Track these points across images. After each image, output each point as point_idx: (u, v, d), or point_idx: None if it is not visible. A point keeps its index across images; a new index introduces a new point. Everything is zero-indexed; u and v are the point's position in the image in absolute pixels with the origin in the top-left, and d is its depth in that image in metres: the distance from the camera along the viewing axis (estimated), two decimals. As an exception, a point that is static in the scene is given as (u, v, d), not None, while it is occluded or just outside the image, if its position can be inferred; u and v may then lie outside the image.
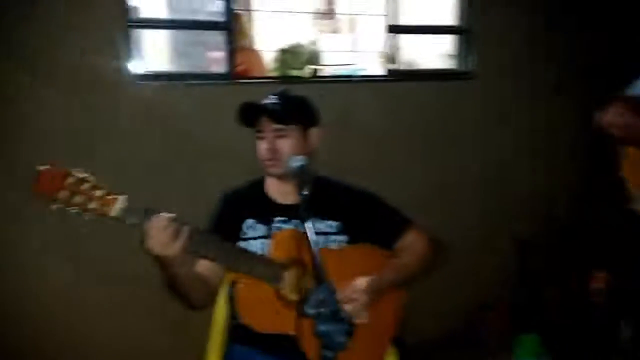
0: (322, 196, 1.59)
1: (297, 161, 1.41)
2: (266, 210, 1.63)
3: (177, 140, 2.19)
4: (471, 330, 2.56)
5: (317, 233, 1.52)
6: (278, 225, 1.60)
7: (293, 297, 1.48)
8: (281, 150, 1.56)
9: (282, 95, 1.62)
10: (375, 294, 1.49)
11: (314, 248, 1.23)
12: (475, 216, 2.68)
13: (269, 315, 1.45)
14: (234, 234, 1.60)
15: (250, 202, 1.66)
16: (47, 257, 2.07)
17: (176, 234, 1.28)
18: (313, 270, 1.27)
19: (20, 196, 1.90)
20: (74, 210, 1.17)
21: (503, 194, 2.73)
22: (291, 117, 1.57)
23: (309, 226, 1.27)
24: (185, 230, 1.30)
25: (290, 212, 1.60)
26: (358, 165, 2.42)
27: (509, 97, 2.71)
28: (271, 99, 1.60)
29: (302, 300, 1.44)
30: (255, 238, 1.59)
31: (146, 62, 2.26)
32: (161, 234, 1.26)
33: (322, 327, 1.12)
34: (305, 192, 1.31)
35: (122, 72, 2.10)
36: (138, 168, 2.08)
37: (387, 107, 2.49)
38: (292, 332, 1.44)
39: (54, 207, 1.15)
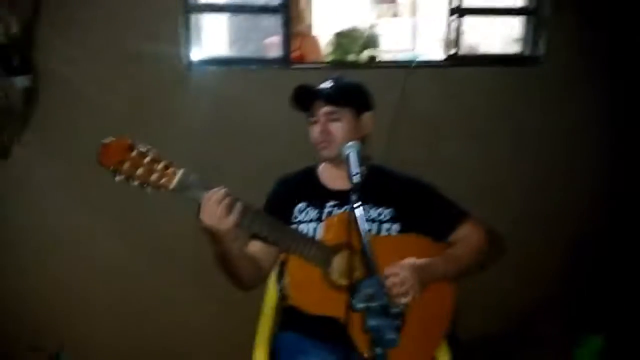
0: (375, 183, 1.60)
1: (350, 146, 1.40)
2: (318, 195, 1.65)
3: (234, 124, 2.25)
4: (528, 329, 2.46)
5: (368, 220, 1.59)
6: (330, 210, 1.61)
7: (342, 282, 1.48)
8: (334, 133, 1.57)
9: (336, 80, 1.63)
10: (424, 278, 1.46)
11: (364, 235, 1.22)
12: (536, 208, 2.55)
13: (318, 297, 1.47)
14: (286, 217, 1.63)
15: (303, 186, 1.68)
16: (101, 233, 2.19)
17: (230, 208, 1.32)
18: (362, 259, 1.27)
19: (75, 172, 2.08)
20: (136, 183, 1.24)
21: (568, 186, 2.59)
22: (344, 99, 1.58)
23: (360, 213, 1.27)
24: (240, 205, 1.34)
25: (342, 197, 1.59)
26: (415, 153, 2.38)
27: (581, 84, 2.55)
28: (326, 83, 1.62)
29: (352, 287, 1.44)
30: (306, 222, 1.62)
31: (204, 47, 2.33)
32: (215, 207, 1.30)
33: (372, 322, 1.09)
34: (358, 178, 1.30)
35: (182, 58, 2.17)
36: (194, 152, 2.14)
37: (447, 94, 2.41)
38: (340, 317, 1.42)
39: (118, 179, 1.22)
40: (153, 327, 2.28)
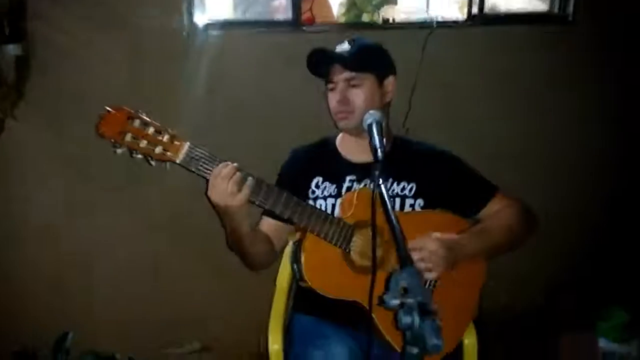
0: (397, 156, 1.52)
1: (371, 115, 1.31)
2: (336, 169, 1.56)
3: (242, 90, 2.13)
4: (551, 305, 2.42)
5: (391, 196, 1.50)
6: (349, 185, 1.53)
7: (363, 262, 1.40)
8: (354, 101, 1.47)
9: (355, 42, 1.51)
10: (452, 254, 1.38)
11: (392, 216, 1.12)
12: (563, 180, 2.45)
13: (336, 279, 1.39)
14: (302, 192, 1.54)
15: (320, 159, 1.59)
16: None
17: (240, 184, 1.24)
18: (389, 240, 1.20)
19: (72, 146, 1.99)
20: (139, 155, 1.15)
21: (597, 157, 2.47)
22: (365, 64, 1.47)
23: (383, 188, 1.17)
24: (251, 180, 1.26)
25: (362, 171, 1.52)
26: (435, 119, 2.27)
27: (613, 47, 2.40)
28: (343, 46, 1.50)
29: (374, 269, 1.37)
30: (324, 197, 1.53)
31: (207, 11, 2.19)
32: (225, 182, 1.22)
33: (407, 320, 0.91)
34: (381, 152, 1.21)
35: (183, 23, 2.05)
36: (202, 118, 2.04)
37: (468, 56, 2.28)
38: (361, 300, 1.37)
39: (119, 151, 1.13)
40: (159, 300, 2.23)
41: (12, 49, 2.04)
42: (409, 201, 1.52)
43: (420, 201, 1.53)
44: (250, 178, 1.26)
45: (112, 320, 2.18)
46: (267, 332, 1.59)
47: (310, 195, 1.54)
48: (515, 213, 1.55)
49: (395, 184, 1.54)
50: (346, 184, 1.54)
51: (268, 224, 1.55)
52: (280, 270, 1.71)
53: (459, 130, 2.28)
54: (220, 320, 2.30)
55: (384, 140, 1.25)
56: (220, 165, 1.24)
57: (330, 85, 1.51)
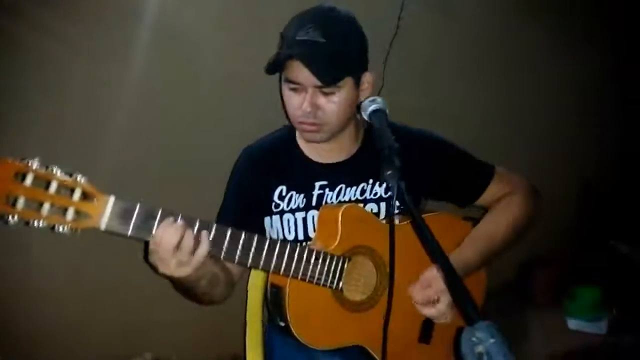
0: (375, 150, 1.27)
1: (374, 103, 1.09)
2: (302, 174, 1.30)
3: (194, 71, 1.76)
4: (522, 283, 2.35)
5: (372, 200, 1.30)
6: (319, 192, 1.30)
7: (358, 297, 1.21)
8: (326, 111, 1.19)
9: (322, 27, 1.16)
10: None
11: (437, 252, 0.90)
12: (542, 155, 2.31)
13: (331, 326, 1.18)
14: (264, 206, 1.30)
15: (280, 161, 1.32)
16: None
17: (193, 249, 0.96)
18: (457, 301, 0.91)
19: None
20: (43, 225, 0.81)
21: (574, 135, 2.34)
22: (345, 72, 1.17)
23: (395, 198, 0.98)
24: (205, 239, 0.97)
25: (334, 173, 1.29)
26: (412, 96, 2.01)
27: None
28: (308, 35, 1.15)
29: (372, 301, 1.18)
30: (291, 211, 1.29)
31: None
32: (169, 255, 0.94)
33: None
34: (395, 158, 1.01)
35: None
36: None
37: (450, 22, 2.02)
38: (363, 343, 1.21)
39: (12, 221, 0.79)
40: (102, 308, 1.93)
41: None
42: (396, 202, 1.29)
43: (408, 199, 1.31)
44: (204, 233, 0.97)
45: (53, 335, 1.83)
46: (244, 348, 1.37)
47: (274, 209, 1.30)
48: (520, 204, 1.37)
49: (377, 186, 1.32)
50: (316, 192, 1.29)
51: None
52: (251, 275, 1.43)
53: (438, 107, 2.04)
54: (176, 328, 2.06)
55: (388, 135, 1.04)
56: (162, 227, 0.92)
57: (293, 85, 1.19)
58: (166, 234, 0.92)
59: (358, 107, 1.26)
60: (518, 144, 2.29)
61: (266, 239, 1.07)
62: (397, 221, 1.28)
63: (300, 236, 1.28)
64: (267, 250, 1.06)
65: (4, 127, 1.58)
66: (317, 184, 1.29)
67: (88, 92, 1.68)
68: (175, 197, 1.73)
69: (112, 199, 0.85)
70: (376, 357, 1.21)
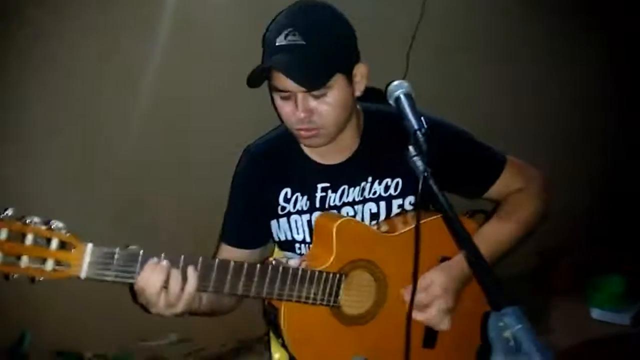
0: (375, 147, 1.28)
1: (398, 87, 1.03)
2: (304, 175, 1.29)
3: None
4: (544, 271, 2.35)
5: (371, 199, 1.29)
6: (322, 194, 1.29)
7: (356, 311, 1.21)
8: (322, 114, 1.15)
9: (301, 28, 1.11)
10: (461, 286, 1.23)
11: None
12: (566, 141, 2.27)
13: (329, 345, 1.19)
14: (270, 209, 1.30)
15: (282, 163, 1.30)
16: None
17: (181, 287, 0.97)
18: (483, 286, 0.89)
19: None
20: (23, 276, 0.83)
21: (600, 120, 2.30)
22: (329, 72, 1.12)
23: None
24: (192, 274, 0.97)
25: (336, 175, 1.28)
26: (432, 84, 1.93)
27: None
28: (287, 39, 1.11)
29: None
30: (298, 212, 1.29)
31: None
32: (158, 296, 0.96)
33: None
34: (420, 142, 0.98)
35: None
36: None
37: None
38: (365, 356, 1.22)
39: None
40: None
41: None
42: (396, 202, 1.31)
43: (410, 198, 1.31)
44: (190, 269, 0.97)
45: (76, 316, 1.96)
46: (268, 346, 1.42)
47: (281, 212, 1.30)
48: (533, 200, 1.32)
49: (376, 184, 1.29)
50: (319, 194, 1.29)
51: (229, 253, 1.30)
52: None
53: (461, 94, 2.02)
54: None
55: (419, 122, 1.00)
56: (145, 270, 0.93)
57: (282, 94, 1.15)
58: (151, 277, 0.93)
59: (359, 99, 1.24)
60: (548, 131, 2.26)
61: (256, 266, 1.06)
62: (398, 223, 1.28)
63: (308, 238, 1.30)
64: (258, 278, 1.06)
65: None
66: (320, 186, 1.29)
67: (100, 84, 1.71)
68: (190, 188, 1.76)
69: (89, 247, 0.86)
70: None
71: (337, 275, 1.15)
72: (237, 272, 1.03)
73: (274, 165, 1.30)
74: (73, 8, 1.61)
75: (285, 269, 1.09)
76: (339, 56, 1.15)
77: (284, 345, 1.17)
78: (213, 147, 1.79)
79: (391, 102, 1.05)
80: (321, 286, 1.13)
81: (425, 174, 0.94)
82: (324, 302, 1.14)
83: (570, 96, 2.30)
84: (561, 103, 2.29)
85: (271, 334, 1.39)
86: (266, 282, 1.07)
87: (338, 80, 1.14)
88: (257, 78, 1.15)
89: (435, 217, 1.27)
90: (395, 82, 1.04)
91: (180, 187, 1.85)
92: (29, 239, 0.81)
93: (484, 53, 2.06)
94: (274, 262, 1.10)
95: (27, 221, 0.81)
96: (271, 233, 1.33)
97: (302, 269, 1.11)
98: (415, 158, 0.95)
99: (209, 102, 1.84)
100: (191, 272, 0.98)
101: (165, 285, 0.95)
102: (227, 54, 1.79)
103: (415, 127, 0.97)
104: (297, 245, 1.31)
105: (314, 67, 1.09)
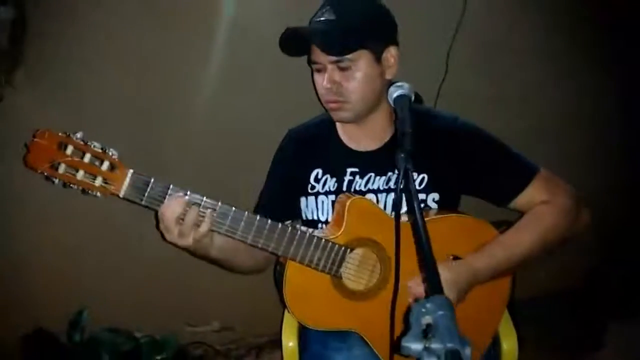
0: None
1: (399, 88, 1.14)
2: (337, 158, 1.42)
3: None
4: (591, 289, 2.27)
5: (393, 190, 1.35)
6: (350, 178, 1.40)
7: (357, 287, 1.30)
8: (347, 88, 1.27)
9: (336, 6, 1.25)
10: (465, 288, 1.25)
11: (421, 228, 0.91)
12: (610, 153, 2.18)
13: (325, 309, 1.30)
14: (302, 187, 1.43)
15: (319, 146, 1.44)
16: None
17: (194, 223, 1.14)
18: (425, 273, 0.90)
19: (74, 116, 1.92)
20: (77, 187, 1.08)
21: None
22: (353, 42, 1.23)
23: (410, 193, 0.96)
24: (208, 216, 1.15)
25: (365, 162, 1.38)
26: (475, 86, 1.99)
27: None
28: (323, 16, 1.25)
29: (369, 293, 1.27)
30: (325, 193, 1.42)
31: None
32: (172, 224, 1.13)
33: None
34: (402, 134, 1.04)
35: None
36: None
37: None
38: (356, 329, 1.31)
39: (56, 181, 1.07)
40: (178, 278, 2.25)
41: (2, 12, 2.01)
42: (419, 196, 1.36)
43: (434, 195, 1.37)
44: (208, 212, 1.14)
45: (129, 298, 2.23)
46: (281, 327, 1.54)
47: (310, 191, 1.43)
48: (556, 215, 1.31)
49: (396, 176, 1.37)
50: (347, 178, 1.40)
51: None
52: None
53: (503, 94, 2.01)
54: (241, 299, 2.31)
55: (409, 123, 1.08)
56: (169, 199, 1.12)
57: (316, 66, 1.31)
58: (171, 206, 1.12)
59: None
60: (588, 136, 2.18)
61: (267, 221, 1.21)
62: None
63: (330, 219, 1.40)
64: (268, 231, 1.21)
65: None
66: (349, 170, 1.40)
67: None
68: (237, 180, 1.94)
69: (130, 172, 1.09)
70: (371, 344, 1.31)
71: (343, 248, 1.26)
72: (249, 222, 1.19)
73: (310, 147, 1.44)
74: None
75: (295, 229, 1.23)
76: (365, 33, 1.24)
77: (282, 302, 1.29)
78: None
79: (391, 102, 1.15)
80: (325, 254, 1.24)
81: (408, 168, 0.98)
82: (326, 270, 1.25)
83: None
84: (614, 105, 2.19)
85: (284, 322, 1.50)
86: (274, 236, 1.21)
87: (364, 57, 1.25)
88: (291, 47, 1.30)
89: (452, 215, 1.34)
90: (398, 83, 1.15)
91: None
92: (87, 157, 1.06)
93: (529, 52, 2.04)
94: (289, 223, 1.25)
95: (89, 143, 1.06)
96: (299, 210, 1.46)
97: (310, 234, 1.24)
98: (400, 156, 1.00)
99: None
100: (208, 214, 1.15)
101: (182, 217, 1.12)
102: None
103: (404, 127, 1.05)
104: (320, 225, 1.42)
105: (338, 36, 1.22)
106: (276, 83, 1.92)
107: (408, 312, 1.17)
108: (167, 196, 1.12)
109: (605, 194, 2.20)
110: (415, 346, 0.69)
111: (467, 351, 0.68)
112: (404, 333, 0.70)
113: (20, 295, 2.10)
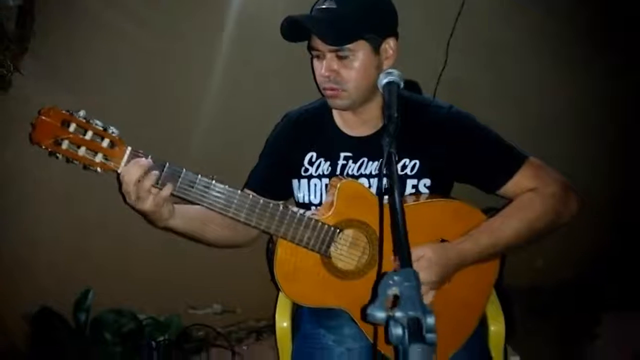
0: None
1: (389, 75, 1.17)
2: (331, 143, 1.47)
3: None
4: (584, 282, 2.32)
5: (386, 175, 1.37)
6: (343, 162, 1.45)
7: (346, 266, 1.36)
8: (344, 76, 1.32)
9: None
10: (450, 269, 1.30)
11: (398, 211, 0.94)
12: (604, 151, 2.21)
13: (314, 287, 1.36)
14: (295, 169, 1.48)
15: (314, 129, 1.49)
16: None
17: (150, 187, 1.17)
18: (396, 247, 0.95)
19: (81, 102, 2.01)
20: (78, 162, 1.16)
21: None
22: (352, 32, 1.28)
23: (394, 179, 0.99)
24: (169, 180, 1.18)
25: (359, 146, 1.43)
26: (478, 74, 2.05)
27: None
28: (324, 4, 1.30)
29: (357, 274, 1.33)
30: (318, 176, 1.47)
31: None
32: (132, 187, 1.16)
33: (397, 331, 0.73)
34: (388, 118, 1.07)
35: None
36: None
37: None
38: (344, 307, 1.36)
39: (59, 157, 1.15)
40: (180, 262, 2.33)
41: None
42: (411, 182, 1.41)
43: (425, 181, 1.42)
44: (168, 185, 1.16)
45: (135, 280, 2.32)
46: (271, 305, 1.61)
47: (304, 173, 1.47)
48: (543, 202, 1.34)
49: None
50: (341, 162, 1.45)
51: None
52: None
53: (501, 86, 2.05)
54: (243, 283, 2.38)
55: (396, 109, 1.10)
56: (130, 163, 1.15)
57: (315, 52, 1.35)
58: (131, 169, 1.15)
59: None
60: (588, 129, 2.22)
61: (250, 194, 1.26)
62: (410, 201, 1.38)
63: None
64: (249, 204, 1.26)
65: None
66: (342, 155, 1.44)
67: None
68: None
69: (129, 149, 1.17)
70: (357, 322, 1.36)
71: (332, 229, 1.31)
72: (220, 190, 1.23)
73: (306, 130, 1.49)
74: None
75: (286, 208, 1.29)
76: (365, 23, 1.27)
77: (273, 280, 1.35)
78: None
79: (380, 89, 1.19)
80: (315, 233, 1.30)
81: (391, 152, 1.00)
82: (316, 249, 1.31)
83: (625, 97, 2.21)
84: (613, 104, 2.22)
85: (278, 303, 1.56)
86: (256, 211, 1.26)
87: (363, 47, 1.29)
88: (291, 32, 1.33)
89: (441, 200, 1.39)
90: (388, 70, 1.19)
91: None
92: (89, 134, 1.14)
93: (528, 42, 2.07)
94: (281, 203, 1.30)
95: (91, 122, 1.14)
96: (291, 192, 1.51)
97: (301, 214, 1.30)
98: (385, 139, 1.02)
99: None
100: (168, 185, 1.18)
101: (140, 180, 1.14)
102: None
103: (390, 112, 1.08)
104: (312, 208, 1.47)
105: (336, 26, 1.25)
106: (284, 79, 1.99)
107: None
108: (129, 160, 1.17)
109: (604, 188, 2.24)
110: (380, 314, 0.73)
111: (430, 320, 0.72)
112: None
113: (27, 276, 2.19)
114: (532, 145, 1.46)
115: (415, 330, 0.71)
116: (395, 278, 0.77)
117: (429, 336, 0.70)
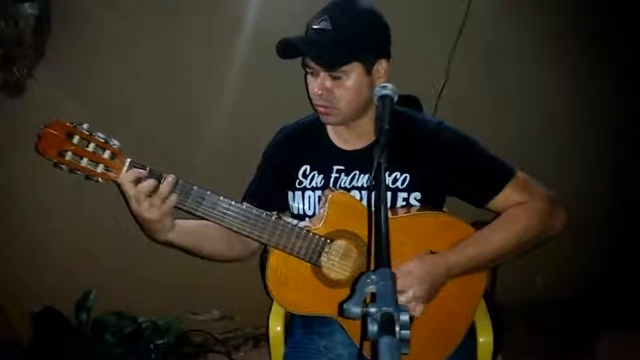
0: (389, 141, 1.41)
1: (384, 89, 1.22)
2: (324, 155, 1.52)
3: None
4: (594, 296, 2.35)
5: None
6: (336, 175, 1.51)
7: (337, 276, 1.42)
8: (337, 95, 1.38)
9: (333, 16, 1.34)
10: (438, 282, 1.35)
11: (382, 222, 0.95)
12: (611, 160, 2.24)
13: (304, 295, 1.42)
14: (289, 182, 1.54)
15: (308, 143, 1.55)
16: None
17: (150, 192, 1.22)
18: (376, 248, 0.94)
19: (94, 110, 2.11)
20: (80, 173, 1.24)
21: None
22: (346, 55, 1.33)
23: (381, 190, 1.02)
24: (166, 185, 1.24)
25: (352, 160, 1.49)
26: (477, 86, 2.09)
27: None
28: (319, 24, 1.34)
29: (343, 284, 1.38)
30: (312, 189, 1.53)
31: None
32: (133, 188, 1.22)
33: (373, 328, 0.75)
34: (379, 131, 1.11)
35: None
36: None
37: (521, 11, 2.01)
38: (332, 315, 1.42)
39: (63, 168, 1.23)
40: (181, 267, 2.34)
41: (29, 8, 2.20)
42: (401, 195, 1.46)
43: (416, 194, 1.47)
44: (167, 184, 1.23)
45: (136, 284, 2.40)
46: (268, 313, 1.68)
47: (298, 186, 1.53)
48: (531, 215, 1.38)
49: (386, 175, 1.38)
50: (333, 175, 1.50)
51: None
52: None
53: (508, 106, 2.08)
54: (242, 291, 2.39)
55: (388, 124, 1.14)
56: (130, 171, 1.22)
57: (309, 70, 1.41)
58: (129, 175, 1.22)
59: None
60: (594, 139, 2.24)
61: (243, 205, 1.33)
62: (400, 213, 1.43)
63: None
64: (253, 220, 1.34)
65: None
66: (335, 168, 1.50)
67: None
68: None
69: (128, 160, 1.25)
70: (346, 330, 1.43)
71: (322, 239, 1.38)
72: (215, 201, 1.30)
73: (300, 144, 1.56)
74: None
75: (279, 219, 1.35)
76: (360, 46, 1.31)
77: (265, 288, 1.42)
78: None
79: (374, 101, 1.24)
80: (306, 243, 1.37)
81: (380, 162, 1.03)
82: (307, 259, 1.38)
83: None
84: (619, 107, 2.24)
85: (272, 309, 1.63)
86: (250, 221, 1.33)
87: (356, 69, 1.33)
88: (285, 52, 1.37)
89: (430, 212, 1.45)
90: (383, 84, 1.24)
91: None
92: (91, 146, 1.22)
93: (530, 59, 2.10)
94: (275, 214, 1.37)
95: (94, 134, 1.23)
96: (287, 204, 1.58)
97: (293, 224, 1.36)
98: (376, 151, 1.05)
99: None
100: (167, 183, 1.24)
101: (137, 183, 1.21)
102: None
103: (382, 124, 1.12)
104: (306, 219, 1.53)
105: (331, 50, 1.29)
106: (284, 82, 2.03)
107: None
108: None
109: (607, 198, 2.26)
110: (355, 309, 0.77)
111: (404, 317, 0.74)
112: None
113: (33, 276, 2.28)
114: (532, 157, 1.50)
115: (387, 324, 0.73)
116: (373, 277, 0.80)
117: (403, 332, 0.72)
